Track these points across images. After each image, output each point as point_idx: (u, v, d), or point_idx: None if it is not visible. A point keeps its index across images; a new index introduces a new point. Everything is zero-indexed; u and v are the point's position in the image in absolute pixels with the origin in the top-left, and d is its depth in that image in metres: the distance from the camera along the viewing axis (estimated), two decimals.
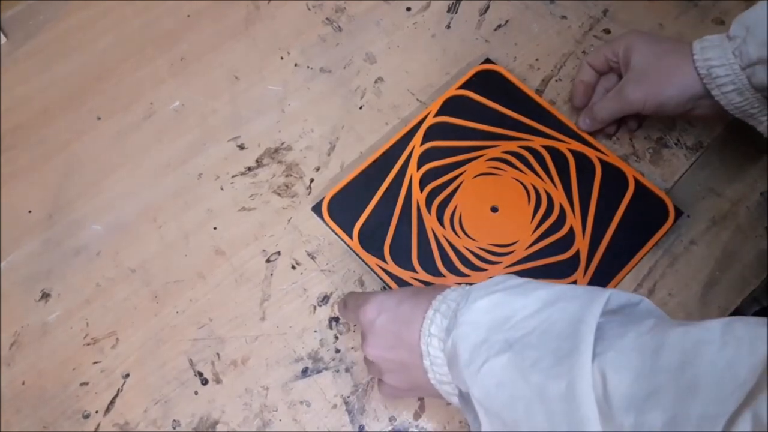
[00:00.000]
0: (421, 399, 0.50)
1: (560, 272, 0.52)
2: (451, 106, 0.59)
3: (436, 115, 0.58)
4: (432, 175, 0.56)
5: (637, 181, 0.55)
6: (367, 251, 0.53)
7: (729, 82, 0.47)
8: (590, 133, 0.57)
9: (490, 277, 0.40)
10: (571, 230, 0.54)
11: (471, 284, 0.40)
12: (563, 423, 0.32)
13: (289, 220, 0.56)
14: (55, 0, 0.65)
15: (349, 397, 0.50)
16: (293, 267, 0.54)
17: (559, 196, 0.55)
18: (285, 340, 0.52)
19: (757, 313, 0.57)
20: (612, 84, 0.56)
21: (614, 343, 0.32)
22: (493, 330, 0.35)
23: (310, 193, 0.57)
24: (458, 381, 0.37)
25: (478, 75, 0.60)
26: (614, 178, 0.56)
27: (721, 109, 0.50)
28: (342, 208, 0.55)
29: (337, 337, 0.51)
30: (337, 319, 0.52)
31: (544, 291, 0.36)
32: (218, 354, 0.51)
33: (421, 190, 0.56)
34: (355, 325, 0.52)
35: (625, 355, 0.31)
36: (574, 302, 0.35)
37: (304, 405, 0.49)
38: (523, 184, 0.56)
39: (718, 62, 0.47)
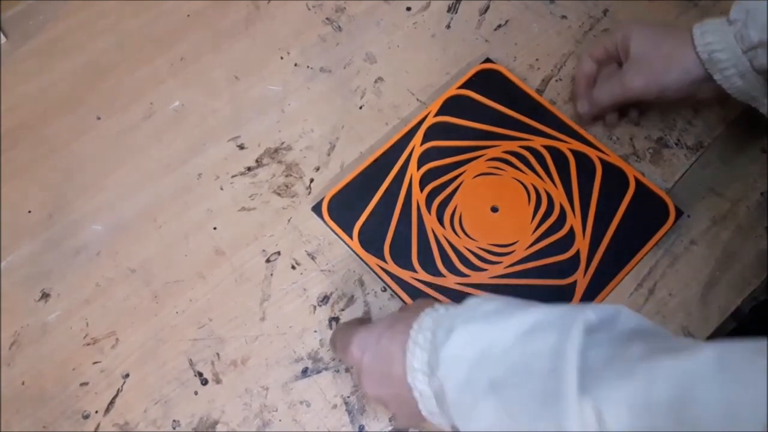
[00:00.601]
0: None
1: (560, 272, 0.52)
2: (451, 105, 0.59)
3: (436, 114, 0.58)
4: (432, 175, 0.56)
5: (637, 181, 0.55)
6: (367, 251, 0.53)
7: (731, 66, 0.47)
8: (591, 128, 0.57)
9: (475, 292, 0.39)
10: (572, 230, 0.54)
11: (441, 304, 0.39)
12: None
13: (289, 220, 0.56)
14: (55, 0, 0.66)
15: (349, 397, 0.50)
16: (293, 267, 0.54)
17: (559, 196, 0.55)
18: (285, 340, 0.51)
19: (754, 309, 0.57)
20: (612, 72, 0.56)
21: (603, 376, 0.30)
22: (475, 367, 0.34)
23: (310, 193, 0.57)
24: (448, 417, 0.37)
25: (478, 75, 0.60)
26: (615, 177, 0.56)
27: (723, 92, 0.49)
28: (342, 208, 0.55)
29: None
30: (337, 319, 0.52)
31: (518, 318, 0.35)
32: (218, 354, 0.51)
33: (421, 190, 0.56)
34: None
35: (618, 389, 0.30)
36: (551, 333, 0.33)
37: (304, 405, 0.49)
38: (524, 184, 0.56)
39: (719, 46, 0.47)
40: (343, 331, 0.45)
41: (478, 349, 0.35)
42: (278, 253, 0.55)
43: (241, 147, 0.59)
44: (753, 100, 0.50)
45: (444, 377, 0.35)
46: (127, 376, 0.51)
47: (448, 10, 0.65)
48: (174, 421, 0.49)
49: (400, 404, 0.41)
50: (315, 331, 0.52)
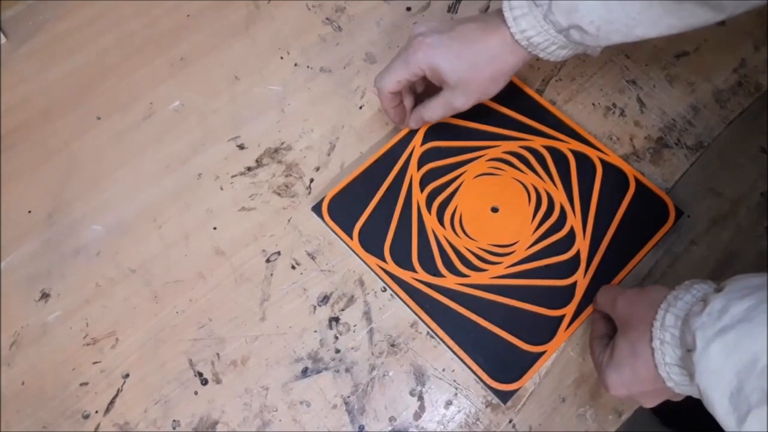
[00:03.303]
0: (421, 399, 0.50)
1: (561, 272, 0.52)
2: None
3: None
4: (432, 176, 0.56)
5: (637, 181, 0.55)
6: (367, 251, 0.53)
7: (550, 44, 0.47)
8: (591, 128, 0.57)
9: (684, 284, 0.40)
10: (572, 230, 0.54)
11: (675, 294, 0.40)
12: None
13: (289, 220, 0.56)
14: (55, 0, 0.65)
15: (349, 397, 0.50)
16: (293, 267, 0.54)
17: (559, 196, 0.55)
18: (285, 340, 0.51)
19: None
20: (417, 85, 0.55)
21: None
22: (743, 377, 0.34)
23: (310, 193, 0.57)
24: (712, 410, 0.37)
25: None
26: (615, 178, 0.56)
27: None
28: (342, 208, 0.55)
29: (337, 338, 0.51)
30: (337, 319, 0.52)
31: None
32: (218, 354, 0.51)
33: (422, 191, 0.56)
34: (355, 326, 0.52)
35: None
36: None
37: (304, 405, 0.49)
38: (524, 184, 0.56)
39: (534, 31, 0.46)
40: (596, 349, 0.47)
41: (741, 360, 0.34)
42: (278, 253, 0.55)
43: (241, 147, 0.59)
44: (583, 55, 0.50)
45: (708, 386, 0.36)
46: (127, 376, 0.51)
47: (448, 10, 0.65)
48: (174, 421, 0.49)
49: (651, 395, 0.42)
50: (315, 331, 0.52)
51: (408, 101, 0.55)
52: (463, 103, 0.51)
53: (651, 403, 0.43)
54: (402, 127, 0.57)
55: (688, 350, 0.37)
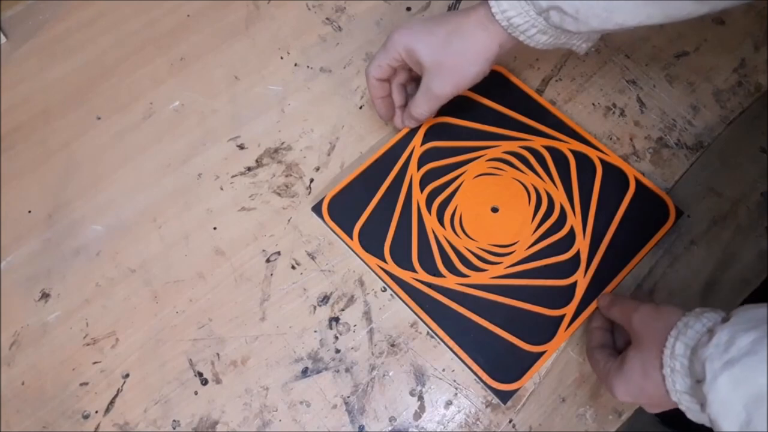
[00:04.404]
0: (421, 399, 0.50)
1: (561, 273, 0.52)
2: (451, 106, 0.58)
3: (436, 115, 0.58)
4: (432, 176, 0.56)
5: (637, 181, 0.55)
6: (367, 251, 0.53)
7: (530, 27, 0.47)
8: (591, 128, 0.57)
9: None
10: (572, 230, 0.54)
11: (685, 320, 0.40)
12: None
13: (289, 220, 0.56)
14: (55, 0, 0.65)
15: (349, 397, 0.50)
16: (293, 267, 0.54)
17: (559, 196, 0.55)
18: (285, 340, 0.51)
19: (749, 298, 0.57)
20: (404, 78, 0.55)
21: None
22: (752, 410, 0.34)
23: (310, 193, 0.57)
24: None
25: None
26: (615, 178, 0.56)
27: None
28: (342, 208, 0.55)
29: (337, 338, 0.51)
30: (337, 319, 0.52)
31: None
32: (218, 354, 0.51)
33: (422, 191, 0.56)
34: (355, 326, 0.52)
35: None
36: None
37: (304, 405, 0.49)
38: (524, 184, 0.56)
39: (514, 12, 0.46)
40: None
41: (748, 394, 0.35)
42: (278, 253, 0.55)
43: (241, 147, 0.59)
44: (565, 46, 0.50)
45: (717, 415, 0.36)
46: (127, 376, 0.51)
47: (448, 10, 0.65)
48: (174, 421, 0.49)
49: (656, 405, 0.43)
50: (315, 331, 0.52)
51: (398, 98, 0.55)
52: (441, 87, 0.50)
53: (656, 410, 0.44)
54: (389, 123, 0.58)
55: (697, 381, 0.37)
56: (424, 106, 0.53)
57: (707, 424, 0.38)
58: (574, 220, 0.54)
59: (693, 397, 0.38)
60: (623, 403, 0.49)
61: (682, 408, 0.40)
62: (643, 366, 0.42)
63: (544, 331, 0.51)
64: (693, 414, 0.39)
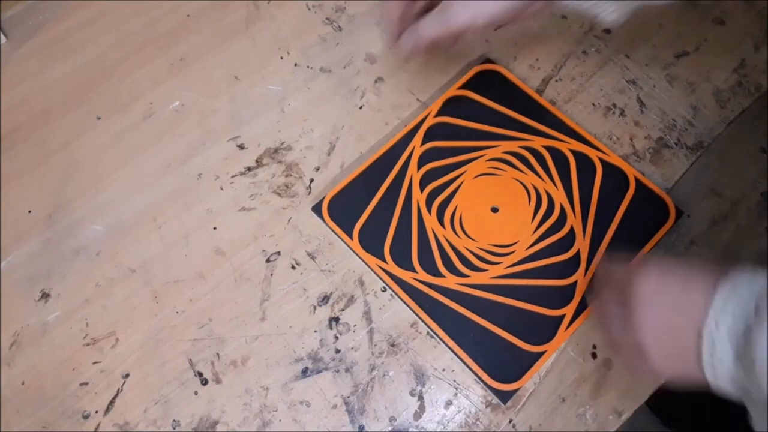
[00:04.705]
0: (421, 399, 0.50)
1: (561, 272, 0.52)
2: (451, 106, 0.59)
3: (437, 115, 0.58)
4: (432, 176, 0.56)
5: (637, 181, 0.55)
6: (367, 251, 0.53)
7: None
8: (591, 128, 0.57)
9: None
10: (572, 230, 0.54)
11: (726, 287, 0.38)
12: None
13: (289, 220, 0.56)
14: (55, 0, 0.65)
15: (349, 397, 0.50)
16: (293, 267, 0.54)
17: (559, 196, 0.55)
18: (285, 340, 0.51)
19: None
20: (420, 6, 0.51)
21: None
22: None
23: (310, 193, 0.57)
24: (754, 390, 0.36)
25: (479, 75, 0.60)
26: (615, 178, 0.56)
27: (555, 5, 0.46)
28: (342, 208, 0.55)
29: (337, 337, 0.51)
30: (337, 319, 0.52)
31: None
32: (218, 354, 0.51)
33: (422, 191, 0.56)
34: (355, 326, 0.52)
35: None
36: None
37: (304, 405, 0.49)
38: (524, 184, 0.56)
39: None
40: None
41: None
42: (278, 253, 0.55)
43: (241, 147, 0.59)
44: (594, 10, 0.47)
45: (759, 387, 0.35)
46: (127, 376, 0.51)
47: None
48: (174, 421, 0.49)
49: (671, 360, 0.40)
50: (315, 331, 0.52)
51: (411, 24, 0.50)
52: (457, 10, 0.45)
53: (669, 364, 0.41)
54: (393, 48, 0.52)
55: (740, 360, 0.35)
56: (433, 25, 0.48)
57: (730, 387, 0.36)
58: (574, 220, 0.54)
59: (734, 376, 0.36)
60: (623, 403, 0.49)
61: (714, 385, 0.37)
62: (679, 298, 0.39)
63: (544, 331, 0.51)
64: (723, 368, 0.37)
